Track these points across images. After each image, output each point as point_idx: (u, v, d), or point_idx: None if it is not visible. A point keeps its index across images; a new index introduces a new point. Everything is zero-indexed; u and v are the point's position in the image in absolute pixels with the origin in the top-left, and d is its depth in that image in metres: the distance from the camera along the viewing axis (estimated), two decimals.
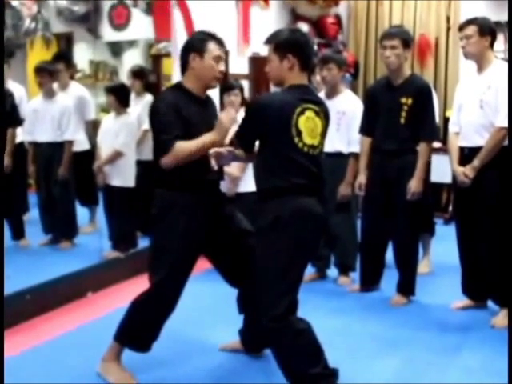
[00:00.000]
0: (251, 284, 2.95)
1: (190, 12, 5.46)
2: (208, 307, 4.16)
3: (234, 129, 2.98)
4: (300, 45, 2.84)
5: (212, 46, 3.01)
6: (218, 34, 3.09)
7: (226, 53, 3.23)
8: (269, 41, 2.90)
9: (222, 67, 3.05)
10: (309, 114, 2.81)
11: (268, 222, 2.78)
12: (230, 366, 3.36)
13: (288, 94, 2.84)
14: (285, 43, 2.83)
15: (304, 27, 7.25)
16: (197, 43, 3.02)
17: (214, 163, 2.89)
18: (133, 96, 5.35)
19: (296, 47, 2.82)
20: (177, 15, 5.40)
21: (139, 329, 3.14)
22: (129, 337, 3.16)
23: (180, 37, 5.40)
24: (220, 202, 3.19)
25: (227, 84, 4.96)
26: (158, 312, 3.11)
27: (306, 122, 2.80)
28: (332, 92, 4.58)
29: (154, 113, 3.00)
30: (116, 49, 5.90)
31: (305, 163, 2.80)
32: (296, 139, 2.77)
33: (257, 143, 2.91)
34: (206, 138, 2.92)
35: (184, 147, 2.89)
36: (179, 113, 2.92)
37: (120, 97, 5.02)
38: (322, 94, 4.64)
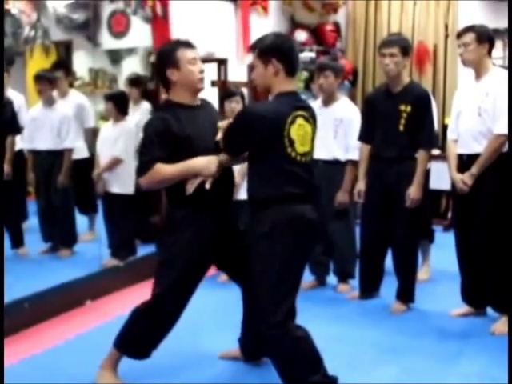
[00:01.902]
0: (250, 292, 2.96)
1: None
2: (208, 315, 4.15)
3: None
4: (284, 49, 2.82)
5: (182, 53, 2.99)
6: (183, 39, 3.08)
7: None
8: (253, 47, 2.89)
9: (200, 67, 3.03)
10: (300, 121, 2.81)
11: (264, 230, 2.78)
12: (229, 373, 3.35)
13: (279, 103, 2.82)
14: (268, 48, 2.82)
15: (303, 35, 7.29)
16: (168, 57, 3.00)
17: (189, 188, 2.91)
18: (130, 104, 5.36)
19: (280, 52, 2.81)
20: (175, 25, 5.42)
21: (139, 338, 3.14)
22: (128, 345, 3.16)
23: None
24: (231, 216, 3.17)
25: (228, 91, 4.97)
26: (158, 324, 3.11)
27: (298, 130, 2.79)
28: (329, 99, 4.59)
29: (142, 135, 3.02)
30: (115, 56, 5.91)
31: (298, 172, 2.80)
32: (289, 149, 2.76)
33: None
34: (192, 164, 2.90)
35: (162, 170, 2.89)
36: (169, 130, 2.91)
37: (119, 104, 5.02)
38: (318, 102, 4.65)
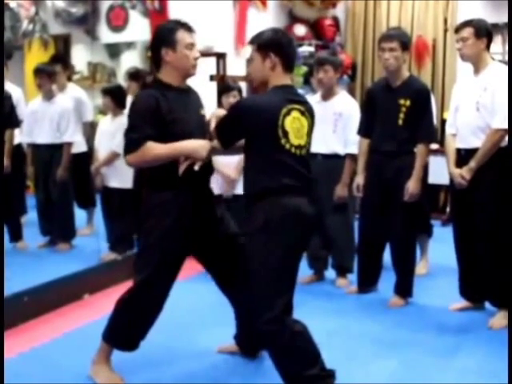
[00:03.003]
0: (241, 287, 2.96)
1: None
2: (205, 309, 4.16)
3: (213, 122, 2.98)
4: (282, 44, 2.85)
5: (181, 35, 2.97)
6: (184, 20, 3.04)
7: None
8: (252, 41, 2.91)
9: (196, 53, 3.02)
10: (295, 114, 2.82)
11: (259, 224, 2.78)
12: (226, 367, 3.35)
13: (273, 95, 2.84)
14: (267, 43, 2.84)
15: (301, 29, 7.27)
16: (166, 36, 2.98)
17: (197, 167, 2.90)
18: (129, 98, 5.35)
19: (278, 47, 2.83)
20: (176, 17, 5.41)
21: (126, 328, 3.12)
22: (116, 336, 3.15)
23: None
24: (209, 201, 3.17)
25: (225, 85, 4.97)
26: (143, 311, 3.09)
27: (293, 122, 2.80)
28: (328, 94, 4.59)
29: (130, 112, 2.98)
30: (114, 50, 5.91)
31: (292, 164, 2.80)
32: (283, 140, 2.77)
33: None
34: (185, 146, 2.90)
35: (152, 149, 2.87)
36: (158, 109, 2.89)
37: (116, 98, 5.02)
38: (318, 96, 4.65)
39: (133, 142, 2.89)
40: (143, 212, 3.07)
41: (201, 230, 3.08)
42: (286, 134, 2.78)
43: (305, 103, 2.92)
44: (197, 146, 2.91)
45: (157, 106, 2.90)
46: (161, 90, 2.97)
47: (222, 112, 3.03)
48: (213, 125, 2.97)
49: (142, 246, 3.10)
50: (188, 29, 3.02)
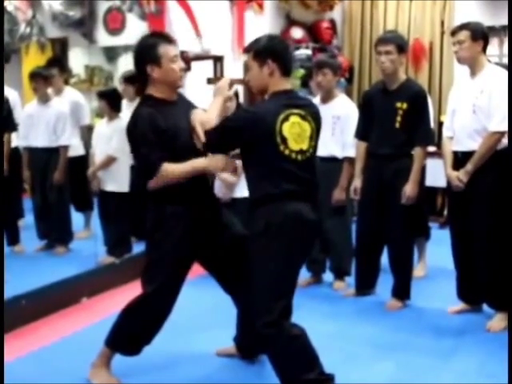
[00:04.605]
0: (244, 290, 2.97)
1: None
2: (204, 312, 4.16)
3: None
4: (279, 50, 2.86)
5: (165, 49, 2.96)
6: (163, 32, 3.04)
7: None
8: (247, 49, 2.92)
9: (181, 64, 3.01)
10: (294, 119, 2.81)
11: (260, 228, 2.78)
12: (226, 370, 3.36)
13: (271, 102, 2.85)
14: (264, 49, 2.85)
15: (298, 32, 7.27)
16: (149, 52, 2.96)
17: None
18: (126, 101, 5.34)
19: (275, 53, 2.84)
20: (171, 22, 5.41)
21: (133, 335, 3.14)
22: (122, 342, 3.16)
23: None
24: (215, 208, 3.19)
25: None
26: (153, 319, 3.11)
27: (291, 127, 2.79)
28: (327, 97, 4.59)
29: (132, 133, 2.95)
30: (111, 54, 5.90)
31: (292, 169, 2.80)
32: (281, 147, 2.77)
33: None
34: (198, 164, 2.92)
35: (171, 170, 2.88)
36: (158, 127, 2.88)
37: (112, 102, 5.01)
38: (317, 99, 4.65)
39: (150, 168, 2.88)
40: (150, 224, 3.06)
41: (207, 237, 3.09)
42: (284, 140, 2.77)
43: (306, 107, 2.91)
44: (210, 159, 2.92)
45: (157, 125, 2.88)
46: (155, 106, 2.94)
47: (203, 115, 2.96)
48: (199, 129, 2.90)
49: (151, 258, 3.07)
50: (169, 41, 3.00)
